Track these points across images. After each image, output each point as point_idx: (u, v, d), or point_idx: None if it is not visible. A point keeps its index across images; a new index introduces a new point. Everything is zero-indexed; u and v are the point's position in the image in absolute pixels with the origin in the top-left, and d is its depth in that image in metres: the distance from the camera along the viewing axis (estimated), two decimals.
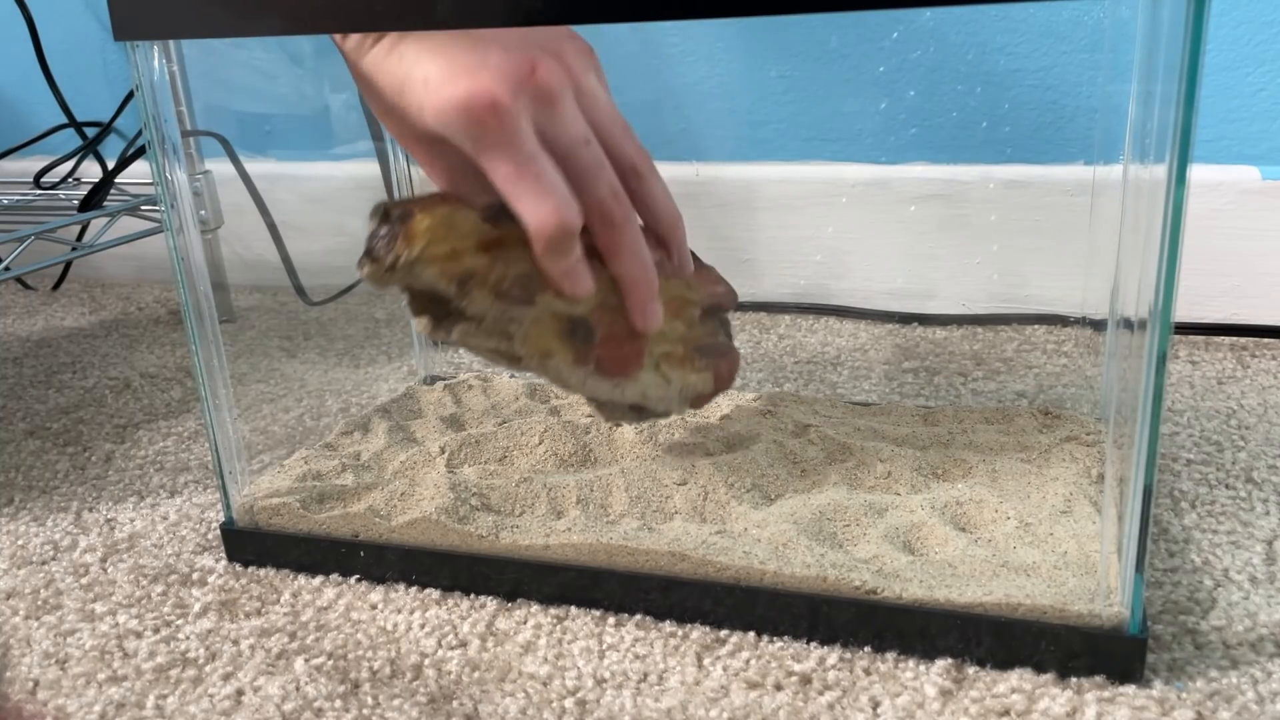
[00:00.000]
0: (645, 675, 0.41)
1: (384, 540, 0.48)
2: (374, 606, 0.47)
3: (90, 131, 0.92)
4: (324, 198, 0.93)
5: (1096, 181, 0.67)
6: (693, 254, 0.52)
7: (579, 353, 0.47)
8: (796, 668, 0.41)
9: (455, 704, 0.40)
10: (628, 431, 0.55)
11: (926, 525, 0.46)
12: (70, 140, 0.94)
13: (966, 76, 0.76)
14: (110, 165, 0.83)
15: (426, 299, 0.46)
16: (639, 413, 0.51)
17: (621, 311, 0.48)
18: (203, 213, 0.86)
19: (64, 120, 0.94)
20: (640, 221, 0.48)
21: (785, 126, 0.82)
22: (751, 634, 0.43)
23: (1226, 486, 0.53)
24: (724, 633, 0.44)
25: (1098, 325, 0.60)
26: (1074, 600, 0.40)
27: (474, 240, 0.44)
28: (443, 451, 0.54)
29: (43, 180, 0.90)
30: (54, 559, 0.52)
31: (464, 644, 0.44)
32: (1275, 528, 0.49)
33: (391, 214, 0.44)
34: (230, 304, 0.91)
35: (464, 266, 0.44)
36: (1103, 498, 0.46)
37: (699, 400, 0.52)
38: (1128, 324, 0.41)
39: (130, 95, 0.86)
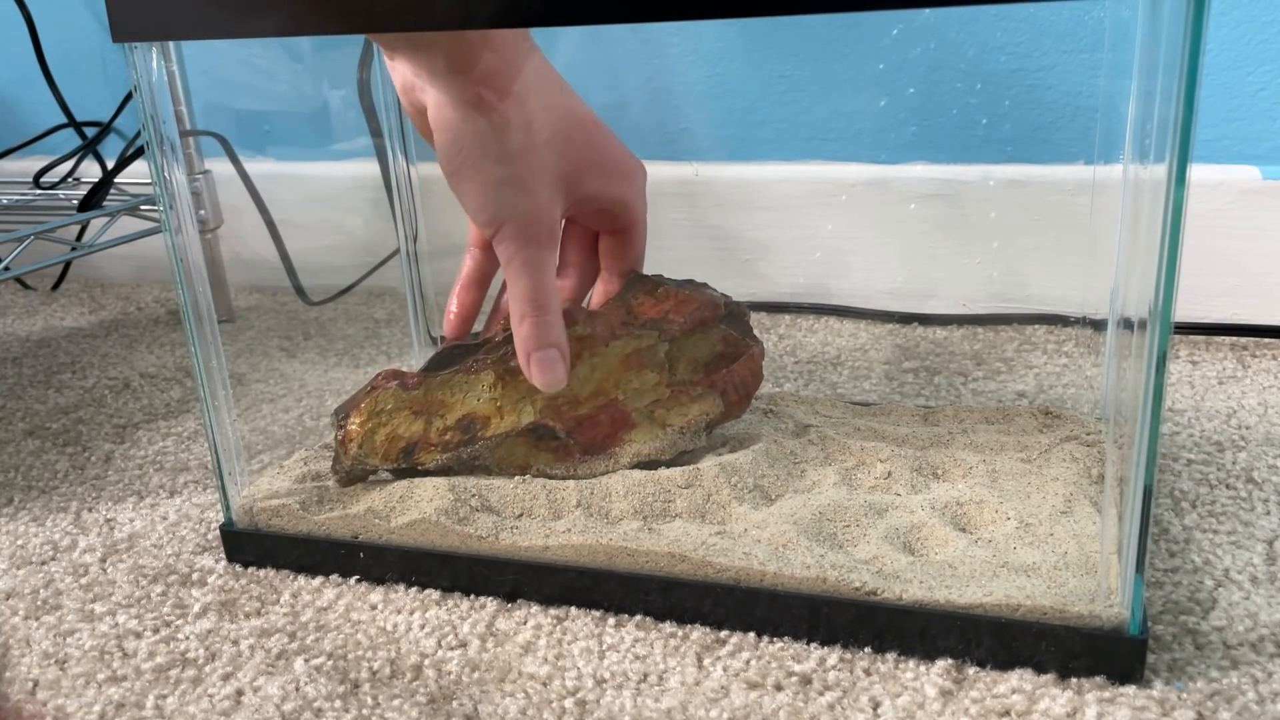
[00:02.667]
0: (645, 675, 0.41)
1: (384, 541, 0.48)
2: (374, 607, 0.47)
3: (90, 131, 0.92)
4: (324, 197, 0.93)
5: (1096, 181, 0.67)
6: (661, 277, 0.52)
7: (555, 450, 0.51)
8: (796, 668, 0.41)
9: (455, 704, 0.40)
10: None
11: (926, 526, 0.46)
12: (70, 140, 0.94)
13: (966, 75, 0.76)
14: (110, 165, 0.83)
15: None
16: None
17: (577, 399, 0.50)
18: (202, 212, 0.86)
19: (64, 120, 0.94)
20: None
21: (785, 126, 0.82)
22: (751, 634, 0.43)
23: (1227, 486, 0.53)
24: (724, 633, 0.44)
25: (1098, 325, 0.60)
26: (1074, 601, 0.40)
27: (403, 412, 0.50)
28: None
29: (42, 180, 0.90)
30: (53, 559, 0.52)
31: (464, 644, 0.44)
32: (1276, 528, 0.49)
33: (337, 421, 0.51)
34: (230, 304, 0.91)
35: (401, 443, 0.50)
36: (1103, 498, 0.46)
37: (730, 409, 0.52)
38: (1128, 324, 0.41)
39: (130, 95, 0.86)
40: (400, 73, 0.47)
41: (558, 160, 0.46)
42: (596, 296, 0.53)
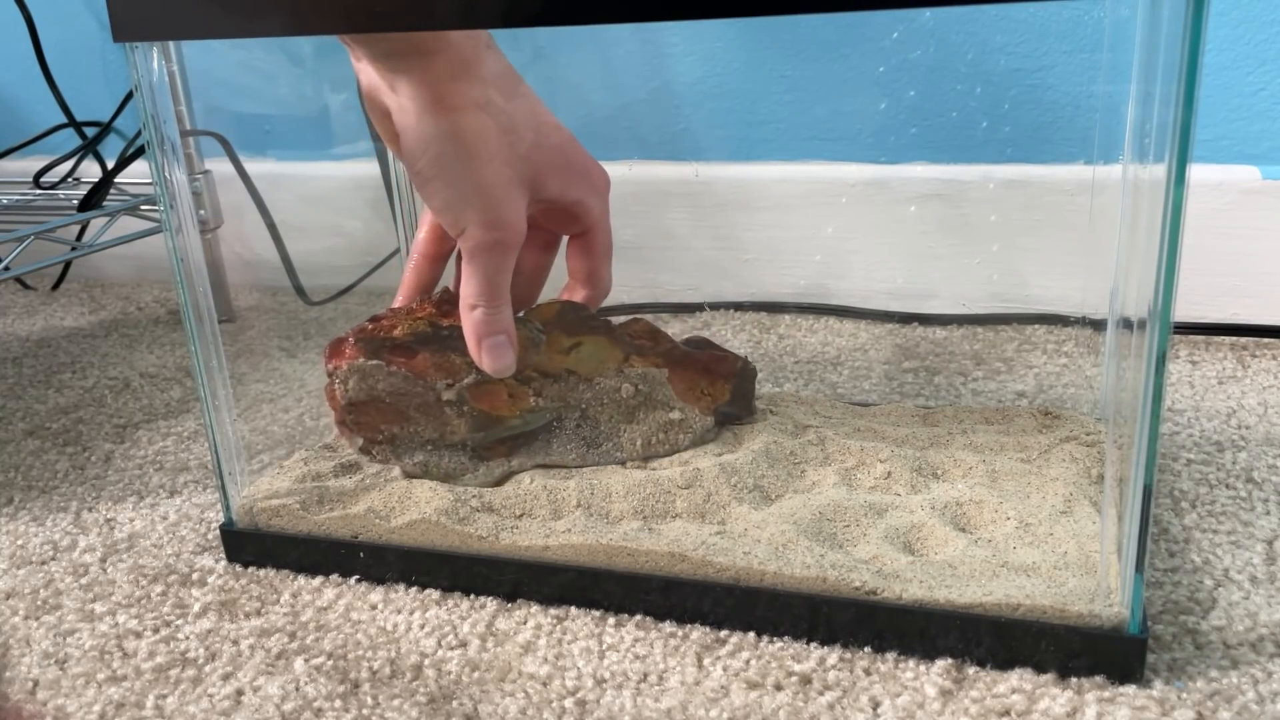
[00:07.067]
0: (645, 675, 0.41)
1: (384, 541, 0.48)
2: (374, 607, 0.47)
3: (90, 131, 0.92)
4: (324, 198, 0.93)
5: (1096, 181, 0.67)
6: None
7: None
8: (796, 668, 0.41)
9: (455, 704, 0.40)
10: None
11: (926, 525, 0.46)
12: (70, 140, 0.94)
13: (966, 76, 0.76)
14: (110, 165, 0.83)
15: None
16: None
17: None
18: (202, 213, 0.86)
19: (64, 120, 0.94)
20: None
21: (785, 126, 0.82)
22: (751, 634, 0.43)
23: (1227, 486, 0.53)
24: (724, 633, 0.44)
25: (1098, 325, 0.60)
26: (1074, 600, 0.40)
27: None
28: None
29: (42, 180, 0.90)
30: (53, 559, 0.52)
31: (464, 644, 0.44)
32: (1275, 527, 0.49)
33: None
34: (230, 304, 0.91)
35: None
36: (1103, 498, 0.46)
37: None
38: (1128, 324, 0.41)
39: (130, 95, 0.86)
40: (366, 74, 0.47)
41: (521, 162, 0.47)
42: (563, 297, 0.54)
